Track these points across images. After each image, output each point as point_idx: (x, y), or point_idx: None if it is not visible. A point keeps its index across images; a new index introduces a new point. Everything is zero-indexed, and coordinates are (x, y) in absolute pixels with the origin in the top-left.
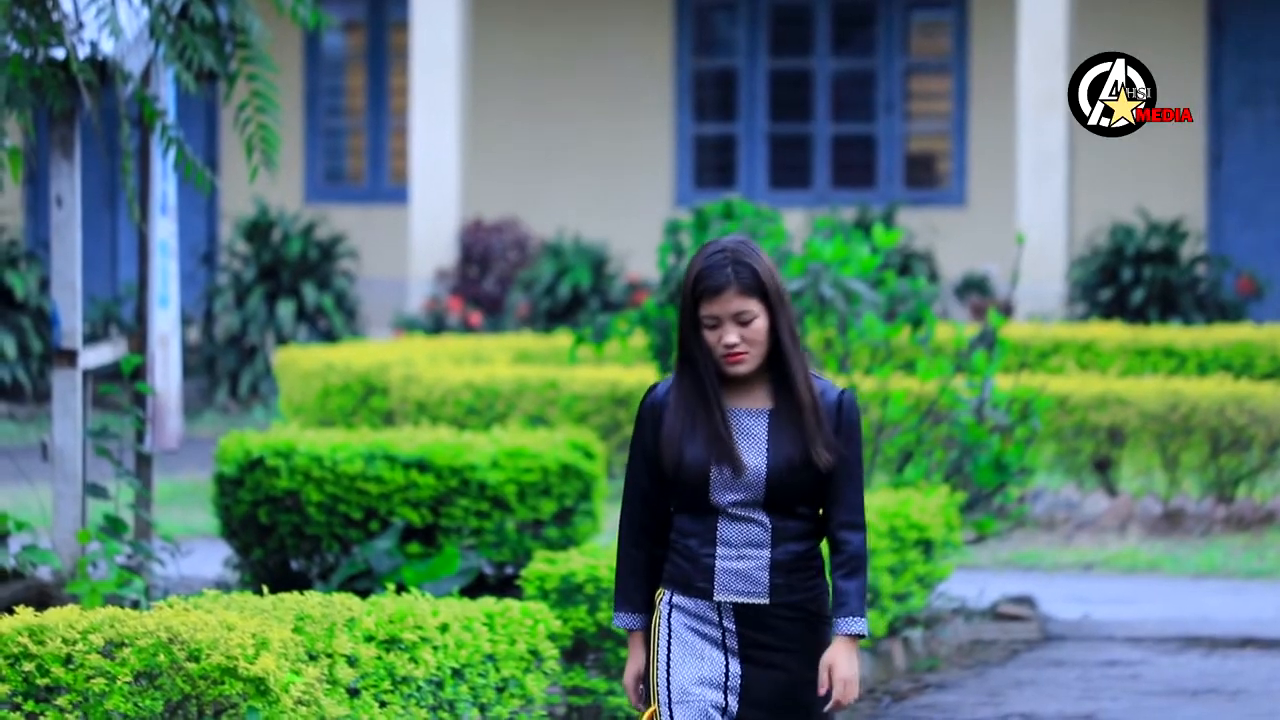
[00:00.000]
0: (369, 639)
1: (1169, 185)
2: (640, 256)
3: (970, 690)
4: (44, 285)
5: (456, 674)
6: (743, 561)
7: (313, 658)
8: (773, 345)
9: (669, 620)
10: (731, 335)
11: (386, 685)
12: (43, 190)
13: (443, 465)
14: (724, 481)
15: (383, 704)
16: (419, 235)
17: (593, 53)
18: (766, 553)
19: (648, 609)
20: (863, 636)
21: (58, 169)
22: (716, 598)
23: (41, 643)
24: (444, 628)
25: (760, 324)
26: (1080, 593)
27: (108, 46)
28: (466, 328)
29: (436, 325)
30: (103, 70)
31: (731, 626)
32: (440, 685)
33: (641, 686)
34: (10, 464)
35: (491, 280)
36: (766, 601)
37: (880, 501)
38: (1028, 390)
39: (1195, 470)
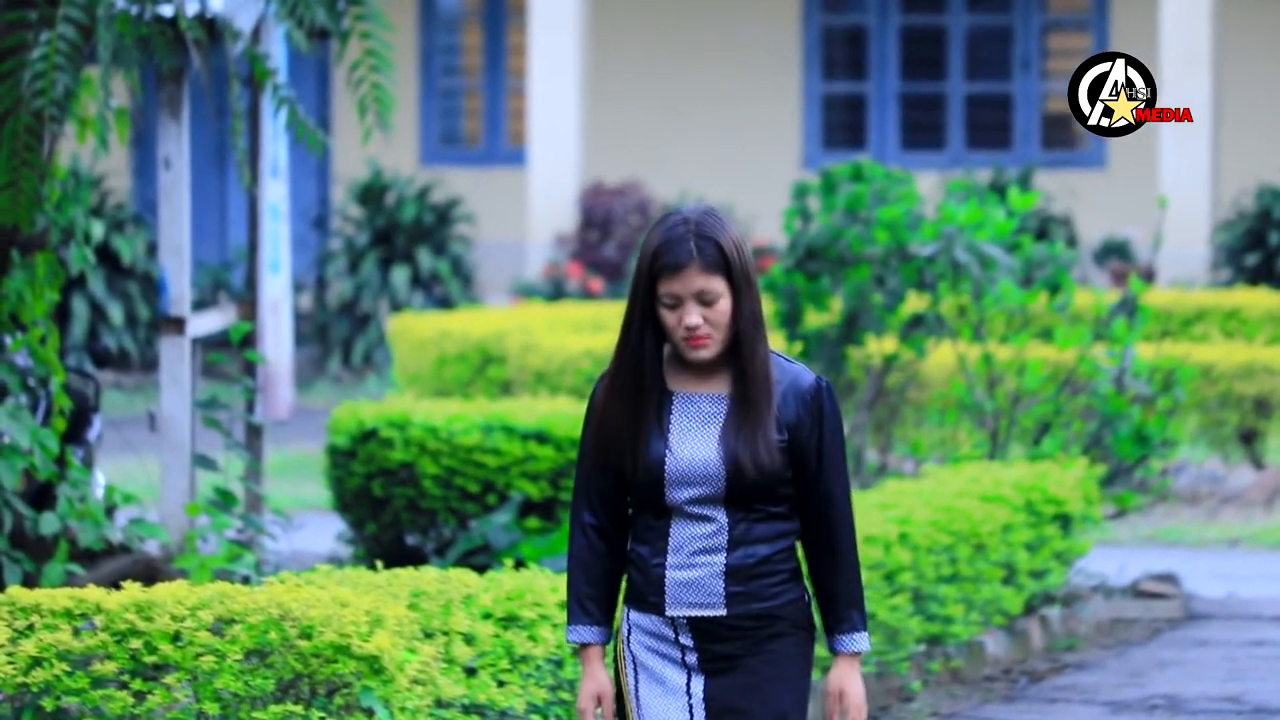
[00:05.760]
0: (486, 616)
1: None
2: (766, 220)
3: (1111, 670)
4: (151, 250)
5: (576, 653)
6: (693, 570)
7: (429, 635)
8: (733, 328)
9: (630, 645)
10: (693, 316)
11: (505, 664)
12: (150, 152)
13: (562, 437)
14: (678, 476)
15: (501, 683)
16: (538, 199)
17: (718, 9)
18: (720, 558)
19: (605, 620)
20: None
21: (166, 130)
22: (669, 613)
23: (149, 619)
24: (564, 605)
25: (725, 305)
26: (1225, 569)
27: (217, 3)
28: (586, 294)
29: (555, 292)
30: (211, 28)
31: (689, 643)
32: (560, 664)
33: (600, 710)
34: (117, 435)
35: (612, 245)
36: (723, 613)
37: (1017, 475)
38: (1170, 359)
39: None
